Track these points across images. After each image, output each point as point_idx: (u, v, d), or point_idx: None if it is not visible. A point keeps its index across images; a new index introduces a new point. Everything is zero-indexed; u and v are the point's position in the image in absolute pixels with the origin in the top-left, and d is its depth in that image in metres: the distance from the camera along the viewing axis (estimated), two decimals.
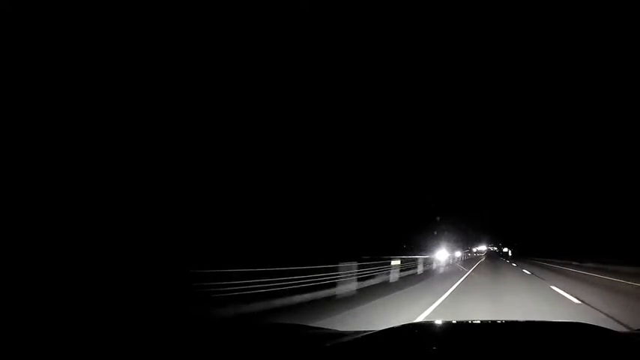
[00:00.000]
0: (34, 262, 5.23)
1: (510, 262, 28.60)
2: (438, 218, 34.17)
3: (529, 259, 41.39)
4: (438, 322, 2.16)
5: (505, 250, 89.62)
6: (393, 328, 1.66)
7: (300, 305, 6.11)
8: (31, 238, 6.13)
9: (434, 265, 17.21)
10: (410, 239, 30.75)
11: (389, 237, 27.12)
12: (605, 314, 5.46)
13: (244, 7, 15.35)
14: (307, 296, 6.47)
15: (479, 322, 2.25)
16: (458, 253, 31.41)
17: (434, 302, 6.73)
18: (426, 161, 40.94)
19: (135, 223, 9.51)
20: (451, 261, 23.54)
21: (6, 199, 6.48)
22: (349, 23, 22.60)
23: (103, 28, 9.29)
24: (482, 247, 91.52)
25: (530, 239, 58.98)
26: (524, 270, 17.41)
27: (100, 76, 9.43)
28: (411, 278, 12.09)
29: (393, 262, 10.76)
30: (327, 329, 1.86)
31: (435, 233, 29.44)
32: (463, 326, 1.99)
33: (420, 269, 14.24)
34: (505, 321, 2.14)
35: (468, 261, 30.73)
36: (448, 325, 1.99)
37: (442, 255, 19.98)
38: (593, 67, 34.40)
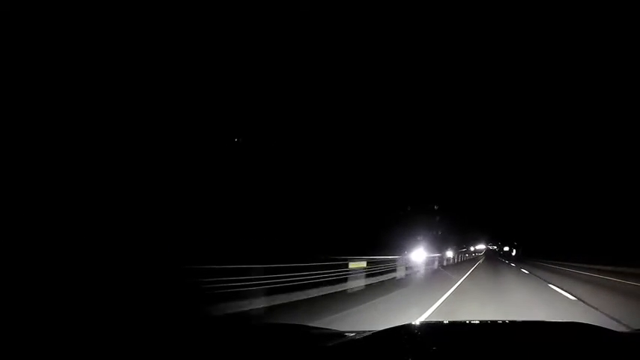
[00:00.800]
0: (33, 261, 4.89)
1: (515, 266, 21.73)
2: (438, 218, 31.29)
3: (533, 260, 35.45)
4: (439, 322, 2.38)
5: (506, 249, 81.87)
6: (393, 328, 1.64)
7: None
8: (29, 237, 5.75)
9: (384, 276, 10.25)
10: (389, 236, 24.63)
11: (362, 233, 21.07)
12: None
13: (244, 6, 15.17)
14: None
15: (479, 322, 2.15)
16: (449, 254, 24.93)
17: None
18: (423, 153, 37.99)
19: (134, 221, 9.34)
20: (437, 264, 16.95)
21: (6, 199, 6.43)
22: (349, 23, 22.54)
23: (103, 28, 9.49)
24: (481, 246, 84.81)
25: (533, 238, 53.32)
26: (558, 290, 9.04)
27: (100, 76, 9.64)
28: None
29: None
30: (328, 329, 1.84)
31: (439, 233, 27.52)
32: (463, 326, 1.97)
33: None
34: (505, 321, 2.09)
35: (460, 265, 24.25)
36: (448, 325, 2.05)
37: (419, 256, 13.63)
38: (593, 66, 32.93)
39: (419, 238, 18.60)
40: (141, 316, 3.56)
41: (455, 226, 51.15)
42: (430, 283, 10.70)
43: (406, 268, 11.83)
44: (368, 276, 9.25)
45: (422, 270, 13.25)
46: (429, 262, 15.28)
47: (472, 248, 56.23)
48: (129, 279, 4.67)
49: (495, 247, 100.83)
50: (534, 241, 50.81)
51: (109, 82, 9.83)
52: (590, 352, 1.26)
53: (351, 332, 1.59)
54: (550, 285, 9.96)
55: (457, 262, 27.79)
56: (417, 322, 2.99)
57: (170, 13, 11.68)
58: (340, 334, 1.58)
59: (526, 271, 14.90)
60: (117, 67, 10.08)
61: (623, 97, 28.55)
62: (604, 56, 31.81)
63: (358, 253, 11.79)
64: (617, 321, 5.05)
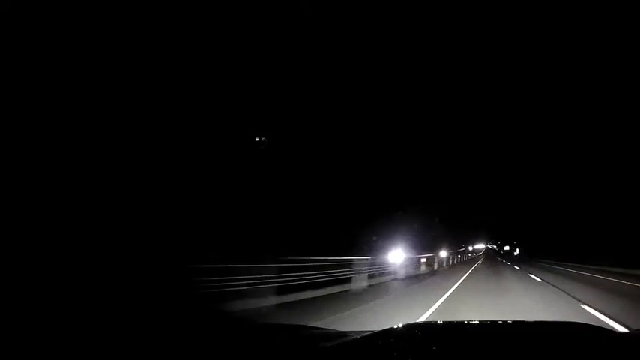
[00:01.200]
0: (32, 260, 4.59)
1: (542, 282, 11.79)
2: (437, 219, 29.62)
3: (535, 260, 32.78)
4: (439, 322, 2.30)
5: (507, 248, 77.39)
6: (393, 328, 1.65)
7: None
8: (29, 235, 5.27)
9: None
10: (379, 235, 22.08)
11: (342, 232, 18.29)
12: None
13: (243, 6, 15.00)
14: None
15: (479, 322, 2.15)
16: (443, 254, 22.26)
17: None
18: (422, 151, 35.99)
19: (132, 219, 8.52)
20: (424, 268, 14.20)
21: (5, 198, 6.04)
22: (349, 23, 22.48)
23: (103, 28, 9.38)
24: (481, 245, 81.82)
25: (532, 237, 51.09)
26: None
27: (100, 76, 9.46)
28: None
29: None
30: (327, 329, 1.82)
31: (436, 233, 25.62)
32: (463, 326, 1.97)
33: None
34: (505, 321, 2.07)
35: (453, 268, 21.57)
36: (448, 325, 2.02)
37: (396, 257, 11.00)
38: (594, 64, 33.01)
39: (410, 238, 16.03)
40: (140, 315, 3.38)
41: (453, 225, 48.82)
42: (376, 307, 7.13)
43: (370, 276, 9.08)
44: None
45: (394, 278, 10.46)
46: (412, 265, 12.53)
47: (470, 247, 53.34)
48: (129, 277, 4.58)
49: (495, 247, 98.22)
50: (534, 241, 48.69)
51: (109, 83, 9.79)
52: (590, 352, 1.25)
53: (351, 332, 1.58)
54: None
55: (453, 263, 25.17)
56: (417, 322, 2.76)
57: (169, 13, 11.54)
58: (340, 334, 1.57)
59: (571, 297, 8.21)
60: (117, 67, 10.07)
61: (624, 96, 28.58)
62: (604, 56, 31.92)
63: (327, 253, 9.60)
64: None
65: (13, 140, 6.89)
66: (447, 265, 21.72)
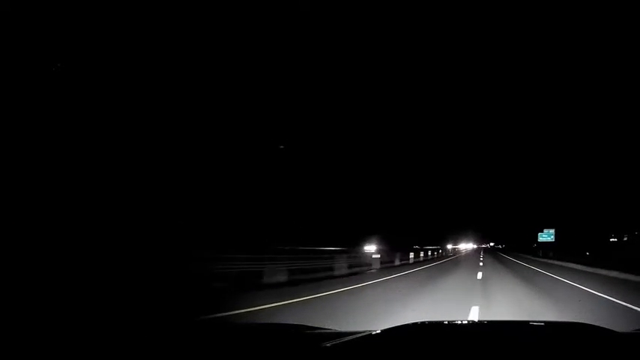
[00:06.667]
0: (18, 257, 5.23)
1: None
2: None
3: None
4: (438, 322, 2.21)
5: (549, 236, 53.47)
6: (392, 328, 1.67)
7: None
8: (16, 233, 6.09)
9: None
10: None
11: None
12: None
13: (243, 6, 15.62)
14: None
15: (479, 322, 2.40)
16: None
17: None
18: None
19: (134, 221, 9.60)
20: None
21: (4, 197, 6.62)
22: (349, 23, 23.52)
23: (102, 28, 9.75)
24: (467, 245, 68.66)
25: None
26: None
27: (99, 76, 9.87)
28: None
29: None
30: (326, 329, 1.85)
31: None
32: (463, 326, 2.03)
33: None
34: (505, 321, 2.30)
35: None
36: (448, 325, 2.03)
37: None
38: (592, 63, 35.45)
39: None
40: (140, 311, 3.64)
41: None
42: None
43: None
44: None
45: None
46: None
47: (419, 247, 43.22)
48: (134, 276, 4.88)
49: (492, 243, 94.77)
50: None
51: (108, 83, 10.12)
52: (590, 352, 1.25)
53: (351, 332, 1.57)
54: None
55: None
56: (416, 322, 2.66)
57: (169, 13, 11.89)
58: (340, 334, 1.57)
59: None
60: (117, 67, 10.29)
61: (610, 101, 31.30)
62: (603, 56, 33.94)
63: None
64: None
65: (12, 140, 7.05)
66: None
